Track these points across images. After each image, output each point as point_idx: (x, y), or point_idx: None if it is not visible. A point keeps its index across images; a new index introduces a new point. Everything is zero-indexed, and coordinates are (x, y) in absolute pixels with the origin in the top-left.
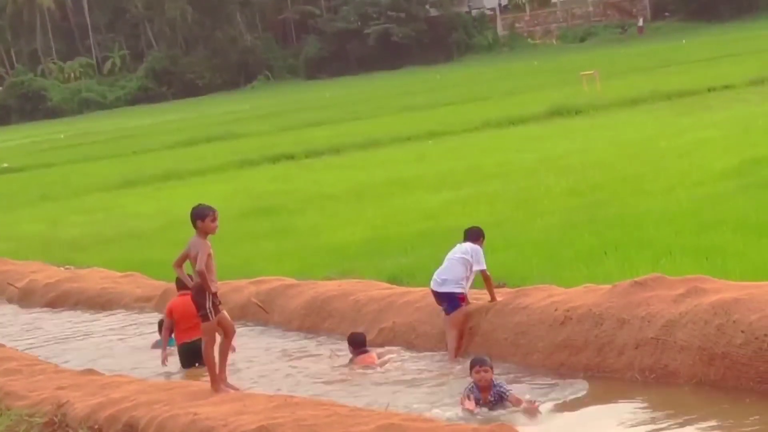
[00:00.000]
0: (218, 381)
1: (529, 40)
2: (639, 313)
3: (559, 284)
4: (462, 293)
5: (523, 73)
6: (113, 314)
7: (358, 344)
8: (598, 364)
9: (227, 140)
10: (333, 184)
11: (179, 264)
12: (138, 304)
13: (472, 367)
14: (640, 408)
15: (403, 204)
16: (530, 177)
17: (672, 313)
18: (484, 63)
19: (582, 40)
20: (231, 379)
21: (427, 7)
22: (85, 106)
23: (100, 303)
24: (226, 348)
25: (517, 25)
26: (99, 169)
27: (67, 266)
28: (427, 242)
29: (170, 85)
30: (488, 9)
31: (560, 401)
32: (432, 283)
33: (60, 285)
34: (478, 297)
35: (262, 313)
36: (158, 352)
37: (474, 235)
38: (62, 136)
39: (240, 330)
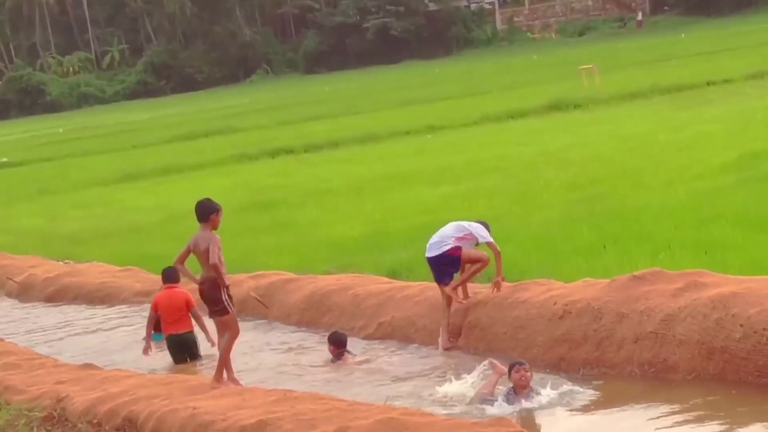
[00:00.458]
0: (222, 375)
1: (528, 34)
2: (638, 308)
3: (558, 278)
4: (449, 248)
5: (522, 68)
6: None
7: (339, 344)
8: (597, 358)
9: (226, 134)
10: (332, 179)
11: (181, 260)
12: (137, 298)
13: (511, 368)
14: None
15: (402, 198)
16: (529, 171)
17: (671, 308)
18: (483, 57)
19: (581, 34)
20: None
21: (426, 1)
22: (84, 100)
23: (99, 297)
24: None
25: (516, 19)
26: (98, 164)
27: (66, 260)
28: (427, 236)
29: (169, 79)
30: (487, 3)
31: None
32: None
33: (59, 279)
34: (478, 292)
35: (261, 307)
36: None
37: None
38: (61, 131)
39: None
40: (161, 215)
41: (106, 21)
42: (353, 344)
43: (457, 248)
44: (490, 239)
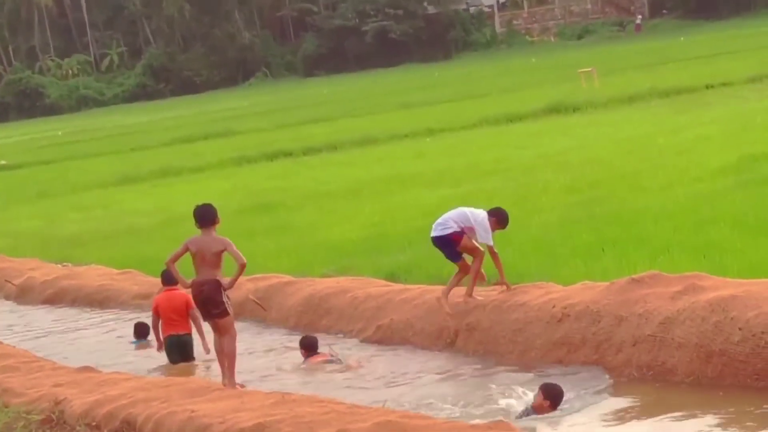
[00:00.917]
0: (234, 378)
1: (527, 37)
2: (636, 311)
3: (556, 281)
4: (451, 233)
5: (520, 71)
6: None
7: (310, 347)
8: (595, 361)
9: (225, 137)
10: (331, 181)
11: (174, 260)
12: (136, 301)
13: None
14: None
15: (401, 201)
16: (528, 174)
17: (669, 311)
18: (482, 60)
19: (580, 37)
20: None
21: (425, 4)
22: (83, 103)
23: (98, 300)
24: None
25: (515, 22)
26: (97, 166)
27: (65, 263)
28: (425, 239)
29: (168, 82)
30: (486, 6)
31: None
32: None
33: (58, 282)
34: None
35: (259, 310)
36: (140, 349)
37: (493, 211)
38: (60, 133)
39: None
40: (160, 218)
41: (104, 24)
42: (352, 347)
43: (460, 235)
44: (490, 242)
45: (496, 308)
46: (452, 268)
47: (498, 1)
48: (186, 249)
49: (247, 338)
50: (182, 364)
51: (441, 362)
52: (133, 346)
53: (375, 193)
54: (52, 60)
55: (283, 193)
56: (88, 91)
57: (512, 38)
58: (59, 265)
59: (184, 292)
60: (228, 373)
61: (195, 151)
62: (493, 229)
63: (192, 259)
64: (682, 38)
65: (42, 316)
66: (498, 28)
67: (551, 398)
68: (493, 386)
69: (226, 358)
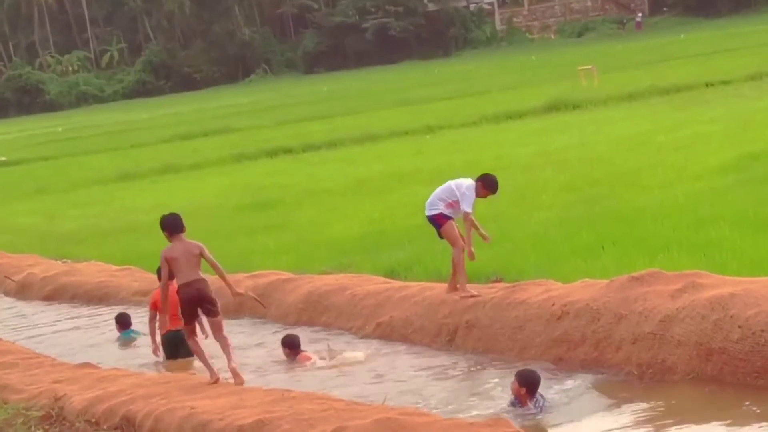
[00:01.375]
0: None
1: (527, 34)
2: (636, 308)
3: (556, 279)
4: (436, 214)
5: (520, 68)
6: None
7: (292, 346)
8: (595, 359)
9: (225, 134)
10: (330, 179)
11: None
12: (135, 297)
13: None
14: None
15: (401, 198)
16: (528, 171)
17: (669, 309)
18: (482, 57)
19: (580, 34)
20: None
21: (425, 1)
22: (82, 99)
23: (97, 296)
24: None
25: (515, 19)
26: (96, 163)
27: (64, 259)
28: (425, 236)
29: (168, 78)
30: (486, 3)
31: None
32: None
33: (57, 278)
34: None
35: (259, 307)
36: (122, 345)
37: (481, 176)
38: (60, 130)
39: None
40: (159, 214)
41: (104, 20)
42: (352, 343)
43: (445, 218)
44: (468, 210)
45: (495, 306)
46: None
47: None
48: (168, 261)
49: (244, 334)
50: (181, 360)
51: (439, 360)
52: (123, 340)
53: (374, 191)
54: (52, 56)
55: (282, 190)
56: (88, 87)
57: (512, 35)
58: (59, 262)
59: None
60: (235, 372)
61: (194, 148)
62: (481, 195)
63: (172, 266)
64: (682, 36)
65: (42, 313)
66: (498, 26)
67: (527, 385)
68: (487, 383)
69: (228, 347)
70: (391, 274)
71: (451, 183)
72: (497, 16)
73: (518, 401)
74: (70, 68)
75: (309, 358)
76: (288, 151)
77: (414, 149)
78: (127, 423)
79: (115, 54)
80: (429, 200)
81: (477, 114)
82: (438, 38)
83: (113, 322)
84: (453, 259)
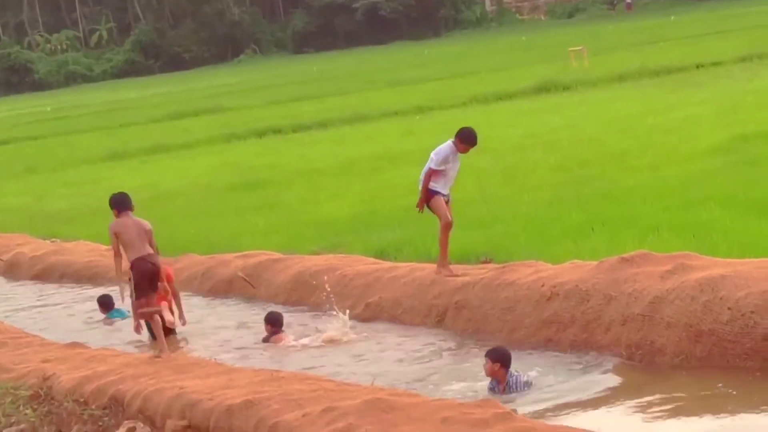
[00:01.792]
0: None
1: (517, 15)
2: (626, 290)
3: (546, 260)
4: (423, 186)
5: (510, 49)
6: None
7: (274, 323)
8: (584, 340)
9: (214, 114)
10: (320, 159)
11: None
12: (125, 277)
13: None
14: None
15: (391, 179)
16: (518, 152)
17: (659, 290)
18: (471, 38)
19: (570, 15)
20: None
21: None
22: (71, 78)
23: (86, 276)
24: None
25: (505, 0)
26: (85, 142)
27: (53, 239)
28: (415, 217)
29: (157, 58)
30: None
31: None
32: None
33: (46, 258)
34: (467, 273)
35: (248, 287)
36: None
37: (457, 132)
38: (49, 109)
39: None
40: (148, 194)
41: None
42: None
43: (431, 193)
44: (430, 166)
45: (485, 286)
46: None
47: None
48: (117, 235)
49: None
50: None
51: (428, 339)
52: (111, 321)
53: (364, 171)
54: (41, 35)
55: (272, 170)
56: (77, 66)
57: (502, 16)
58: (48, 241)
59: (167, 267)
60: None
61: (184, 128)
62: (461, 150)
63: (122, 240)
64: (672, 17)
65: (29, 292)
66: (488, 6)
67: (500, 360)
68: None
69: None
70: (381, 254)
71: (432, 152)
72: None
73: (496, 381)
74: (59, 47)
75: (281, 339)
76: (278, 131)
77: (404, 130)
78: (116, 403)
79: (104, 33)
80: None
81: (467, 95)
82: (428, 19)
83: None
84: (442, 235)
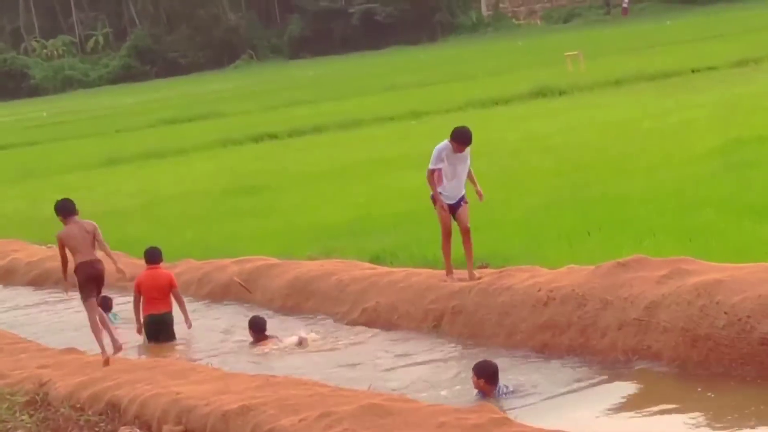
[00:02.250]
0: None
1: (513, 20)
2: (622, 294)
3: (542, 264)
4: (431, 185)
5: (507, 53)
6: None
7: (258, 329)
8: (581, 344)
9: (210, 119)
10: (316, 164)
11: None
12: (120, 282)
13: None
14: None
15: (387, 183)
16: (514, 157)
17: (655, 294)
18: (467, 43)
19: (566, 20)
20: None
21: None
22: (67, 84)
23: None
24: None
25: (501, 5)
26: (81, 148)
27: (49, 245)
28: (411, 222)
29: (153, 63)
30: None
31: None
32: None
33: (42, 263)
34: (463, 278)
35: (244, 292)
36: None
37: (452, 131)
38: (45, 114)
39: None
40: (144, 199)
41: (89, 4)
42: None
43: (433, 197)
44: (430, 166)
45: (481, 291)
46: (435, 251)
47: None
48: (63, 244)
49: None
50: (162, 344)
51: (424, 345)
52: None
53: (360, 176)
54: (37, 41)
55: (268, 175)
56: (73, 72)
57: (498, 21)
58: (43, 247)
59: (168, 272)
60: (100, 344)
61: (180, 133)
62: (457, 150)
63: (69, 246)
64: (668, 22)
65: (26, 298)
66: (484, 11)
67: (484, 376)
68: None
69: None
70: (377, 259)
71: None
72: (483, 2)
73: (482, 394)
74: (55, 53)
75: (266, 344)
76: (273, 136)
77: (400, 135)
78: (112, 408)
79: (100, 39)
80: None
81: (463, 99)
82: (424, 24)
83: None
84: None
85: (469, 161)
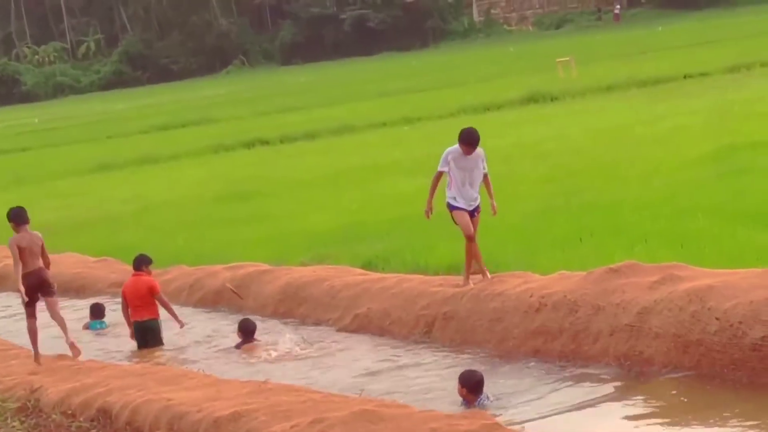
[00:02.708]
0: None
1: (504, 26)
2: (614, 300)
3: (534, 270)
4: (447, 201)
5: (498, 59)
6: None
7: (248, 332)
8: (573, 350)
9: (202, 125)
10: (308, 170)
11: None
12: (112, 289)
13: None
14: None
15: (379, 190)
16: (506, 163)
17: (647, 300)
18: (459, 49)
19: (558, 26)
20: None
21: None
22: (59, 90)
23: (74, 288)
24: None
25: (492, 11)
26: (73, 154)
27: None
28: (403, 228)
29: (145, 69)
30: None
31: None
32: None
33: None
34: (456, 284)
35: (236, 298)
36: (90, 333)
37: (459, 133)
38: (36, 121)
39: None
40: (137, 205)
41: (81, 11)
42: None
43: (451, 209)
44: (438, 169)
45: (473, 297)
46: (427, 257)
47: None
48: (18, 248)
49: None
50: (149, 350)
51: (415, 351)
52: (92, 331)
53: (352, 182)
54: (29, 47)
55: (260, 181)
56: (65, 78)
57: (490, 27)
58: None
59: (149, 278)
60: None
61: (172, 139)
62: (465, 152)
63: (21, 254)
64: (660, 28)
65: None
66: (476, 17)
67: (467, 385)
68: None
69: (64, 324)
70: (369, 265)
71: None
72: (475, 8)
73: (465, 402)
74: (47, 59)
75: (253, 348)
76: (265, 142)
77: (392, 141)
78: (104, 415)
79: (92, 45)
80: None
81: (455, 105)
82: (416, 30)
83: (86, 312)
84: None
85: (483, 167)
